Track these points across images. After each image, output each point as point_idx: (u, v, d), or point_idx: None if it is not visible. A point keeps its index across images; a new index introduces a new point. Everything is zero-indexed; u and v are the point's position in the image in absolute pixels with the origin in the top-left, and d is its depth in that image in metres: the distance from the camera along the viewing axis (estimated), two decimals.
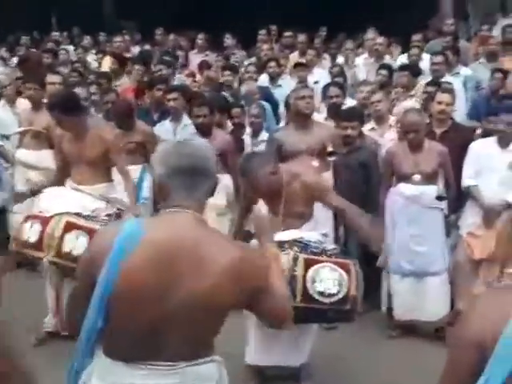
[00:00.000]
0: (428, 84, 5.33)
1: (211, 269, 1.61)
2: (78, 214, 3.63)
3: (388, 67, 6.12)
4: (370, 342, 3.96)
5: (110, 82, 6.47)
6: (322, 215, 3.69)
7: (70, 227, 3.55)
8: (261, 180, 2.97)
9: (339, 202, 3.20)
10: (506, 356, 1.27)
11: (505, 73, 5.74)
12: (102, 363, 1.69)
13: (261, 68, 6.83)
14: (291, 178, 3.10)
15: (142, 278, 1.60)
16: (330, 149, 4.21)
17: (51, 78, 5.58)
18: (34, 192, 4.16)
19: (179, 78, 6.90)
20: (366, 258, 4.00)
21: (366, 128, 4.90)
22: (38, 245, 3.53)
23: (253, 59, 7.41)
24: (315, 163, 4.14)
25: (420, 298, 4.00)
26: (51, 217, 3.60)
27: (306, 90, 4.44)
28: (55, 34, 9.46)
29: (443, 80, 5.55)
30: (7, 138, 5.26)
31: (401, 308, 4.06)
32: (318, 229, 3.22)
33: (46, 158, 4.96)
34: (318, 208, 3.38)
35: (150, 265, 1.60)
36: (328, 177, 4.19)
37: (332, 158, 4.25)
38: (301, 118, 4.29)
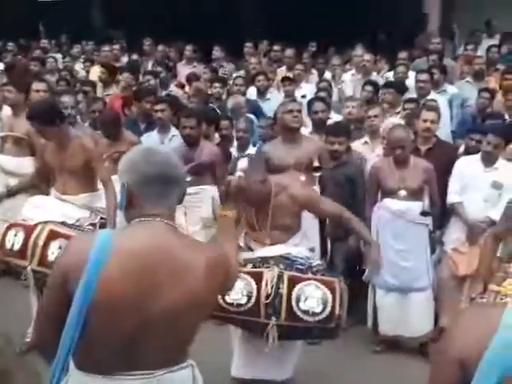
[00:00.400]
0: (407, 101, 5.36)
1: (188, 274, 1.63)
2: (62, 223, 3.61)
3: (373, 84, 6.18)
4: (355, 357, 3.96)
5: (95, 90, 6.46)
6: (309, 228, 3.70)
7: (53, 236, 3.53)
8: (250, 187, 2.96)
9: (334, 208, 3.19)
10: (490, 372, 1.28)
11: (492, 92, 5.84)
12: (76, 378, 1.67)
13: (249, 81, 6.87)
14: (279, 190, 3.10)
15: (120, 289, 1.59)
16: (316, 164, 4.20)
17: (36, 85, 5.55)
18: (10, 193, 4.12)
19: (174, 91, 6.91)
20: (351, 272, 4.02)
21: (360, 142, 4.94)
22: (22, 253, 3.50)
23: (241, 72, 7.43)
24: (302, 177, 4.14)
25: (404, 314, 4.02)
26: (35, 225, 3.59)
27: (293, 103, 4.42)
28: (44, 42, 9.42)
29: (428, 98, 5.62)
30: None
31: (386, 323, 4.07)
32: (305, 242, 3.21)
33: (26, 165, 4.91)
34: (305, 220, 3.38)
35: (126, 275, 1.60)
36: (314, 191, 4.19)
37: (317, 174, 4.24)
38: (288, 132, 4.28)
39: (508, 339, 1.28)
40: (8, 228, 3.68)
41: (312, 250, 3.16)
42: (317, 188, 4.23)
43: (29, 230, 3.59)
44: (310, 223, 3.55)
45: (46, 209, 3.79)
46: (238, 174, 2.94)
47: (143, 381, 1.64)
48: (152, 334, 1.62)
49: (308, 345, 3.77)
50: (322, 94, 5.91)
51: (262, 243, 3.12)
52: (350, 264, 4.25)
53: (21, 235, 3.59)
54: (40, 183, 4.07)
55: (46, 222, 3.62)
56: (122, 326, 1.60)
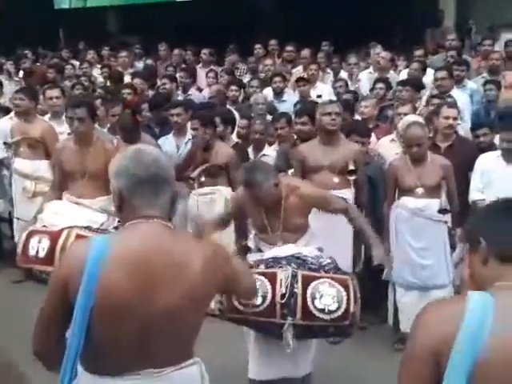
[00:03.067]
0: (433, 97, 5.32)
1: (186, 271, 1.66)
2: (87, 228, 3.63)
3: (385, 81, 6.16)
4: (376, 355, 3.95)
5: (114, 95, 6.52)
6: (342, 230, 3.72)
7: (79, 240, 3.53)
8: (265, 192, 2.98)
9: (342, 206, 3.22)
10: (461, 359, 1.30)
11: (497, 84, 5.78)
12: (86, 380, 1.69)
13: (264, 82, 6.89)
14: (289, 191, 3.12)
15: (120, 292, 1.62)
16: (351, 167, 4.15)
17: (50, 92, 5.63)
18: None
19: (194, 94, 6.96)
20: (371, 270, 4.01)
21: (387, 140, 4.92)
22: (48, 259, 3.50)
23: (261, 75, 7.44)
24: (336, 180, 4.15)
25: None
26: (60, 230, 3.59)
27: (332, 105, 4.26)
28: (65, 51, 9.55)
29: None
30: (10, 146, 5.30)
31: (407, 321, 4.04)
32: (314, 242, 3.21)
33: (41, 167, 5.02)
34: (338, 223, 3.37)
35: (125, 278, 1.62)
36: (348, 194, 4.16)
37: (352, 177, 4.18)
38: (326, 134, 4.22)
39: (474, 324, 1.30)
40: (29, 235, 3.66)
41: (320, 249, 3.16)
42: (352, 192, 4.20)
43: (54, 235, 3.58)
44: (343, 225, 3.53)
45: (67, 214, 3.81)
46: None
47: (153, 379, 1.67)
48: (156, 333, 1.64)
49: (329, 344, 3.78)
50: (346, 96, 5.79)
51: (273, 245, 3.14)
52: (369, 263, 4.24)
53: (45, 241, 3.57)
54: (61, 195, 4.08)
55: (71, 227, 3.62)
56: (125, 327, 1.63)
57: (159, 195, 1.72)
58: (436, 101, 5.16)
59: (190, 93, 7.01)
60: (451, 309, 1.38)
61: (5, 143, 5.29)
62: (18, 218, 5.12)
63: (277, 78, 6.60)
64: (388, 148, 4.85)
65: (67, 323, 1.67)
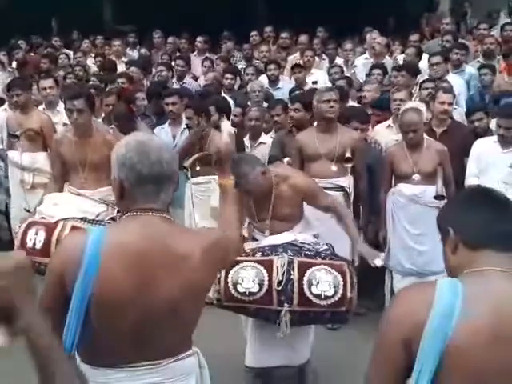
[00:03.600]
0: (426, 81, 5.29)
1: (184, 263, 1.66)
2: (82, 219, 3.64)
3: (381, 67, 6.14)
4: (373, 341, 3.96)
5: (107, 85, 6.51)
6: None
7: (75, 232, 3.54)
8: (252, 181, 2.98)
9: (329, 202, 3.20)
10: (432, 344, 1.31)
11: (492, 68, 5.77)
12: (85, 372, 1.70)
13: (259, 70, 6.87)
14: (280, 180, 3.12)
15: (118, 284, 1.62)
16: (348, 155, 4.12)
17: (43, 82, 5.60)
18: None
19: (189, 82, 6.92)
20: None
21: (383, 126, 4.91)
22: (45, 251, 3.51)
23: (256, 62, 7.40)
24: (333, 168, 4.14)
25: None
26: (56, 222, 3.60)
27: (330, 93, 4.20)
28: (55, 39, 9.48)
29: (445, 78, 5.56)
30: (15, 136, 5.26)
31: None
32: (308, 230, 3.22)
33: (40, 159, 5.03)
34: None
35: (123, 269, 1.62)
36: (346, 182, 4.17)
37: (349, 165, 4.17)
38: (323, 122, 4.20)
39: (443, 309, 1.31)
40: (27, 227, 3.67)
41: (316, 236, 3.16)
42: (350, 179, 4.20)
43: (50, 227, 3.59)
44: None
45: (65, 206, 3.81)
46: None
47: (152, 370, 1.68)
48: (155, 325, 1.65)
49: (328, 330, 3.81)
50: (340, 82, 5.76)
51: (262, 233, 3.15)
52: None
53: (42, 233, 3.59)
54: (62, 189, 4.05)
55: (66, 219, 3.63)
56: (123, 319, 1.63)
57: (161, 192, 1.71)
58: (429, 85, 5.12)
59: (185, 81, 6.97)
60: (421, 296, 1.38)
61: (12, 135, 5.25)
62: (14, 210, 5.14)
63: (271, 66, 6.58)
64: (384, 134, 4.84)
65: (65, 314, 1.66)
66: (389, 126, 4.92)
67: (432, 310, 1.32)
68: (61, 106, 5.28)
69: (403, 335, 1.35)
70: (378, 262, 3.00)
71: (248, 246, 3.12)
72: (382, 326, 1.42)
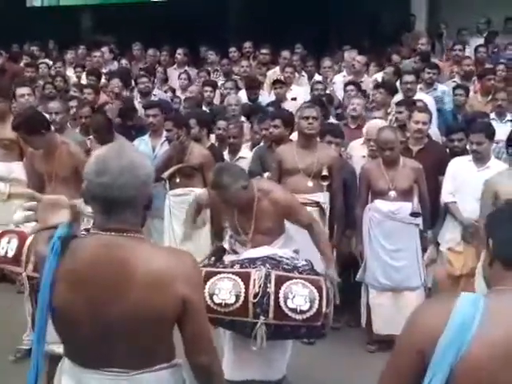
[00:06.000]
0: (399, 104, 5.34)
1: (139, 280, 1.61)
2: (55, 228, 3.61)
3: (355, 84, 6.24)
4: (349, 357, 4.00)
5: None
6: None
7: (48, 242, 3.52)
8: (232, 194, 2.99)
9: (308, 220, 3.22)
10: (444, 356, 1.33)
11: (466, 89, 5.91)
12: (66, 365, 1.75)
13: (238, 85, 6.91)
14: (262, 195, 3.14)
15: (69, 305, 1.63)
16: (324, 173, 4.18)
17: (20, 90, 5.58)
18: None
19: (159, 94, 6.92)
20: (344, 272, 4.06)
21: (358, 143, 4.97)
22: (16, 260, 3.50)
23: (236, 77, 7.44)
24: (310, 183, 4.19)
25: (397, 313, 4.04)
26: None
27: (310, 110, 4.28)
28: (33, 48, 9.41)
29: (416, 98, 5.66)
30: None
31: (379, 323, 4.11)
32: (289, 244, 3.24)
33: (15, 169, 4.95)
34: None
35: (75, 286, 1.63)
36: (321, 198, 4.21)
37: (325, 183, 4.22)
38: (303, 138, 4.27)
39: (460, 323, 1.34)
40: (0, 235, 3.66)
41: (296, 251, 3.19)
42: (326, 195, 4.24)
43: (22, 236, 3.57)
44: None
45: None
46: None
47: (120, 378, 1.67)
48: (115, 339, 1.64)
49: (303, 345, 3.82)
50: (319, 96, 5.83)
51: (244, 246, 3.16)
52: (342, 266, 4.30)
53: (14, 242, 3.58)
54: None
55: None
56: (81, 332, 1.65)
57: (114, 214, 1.66)
58: (400, 109, 5.13)
59: (154, 93, 6.93)
60: (440, 307, 1.41)
61: None
62: None
63: (277, 85, 6.43)
64: (359, 151, 4.90)
65: None
66: (364, 142, 4.98)
67: (449, 322, 1.34)
68: None
69: (418, 345, 1.37)
70: (337, 300, 3.05)
71: (228, 258, 3.13)
72: (400, 336, 1.44)
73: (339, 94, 6.67)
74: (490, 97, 5.87)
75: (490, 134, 4.25)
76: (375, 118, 4.93)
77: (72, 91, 6.72)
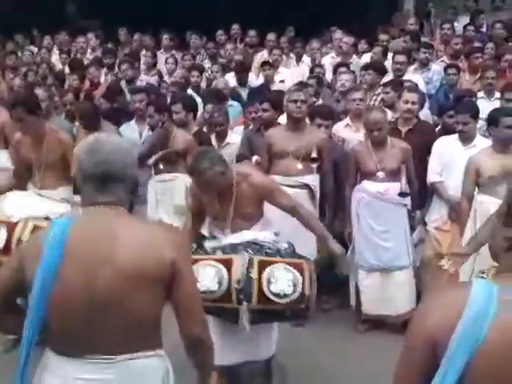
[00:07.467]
0: (385, 85, 5.31)
1: (126, 246, 1.67)
2: (46, 218, 3.60)
3: (346, 65, 6.20)
4: (339, 337, 4.02)
5: (63, 82, 6.45)
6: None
7: (37, 231, 3.50)
8: (209, 179, 2.96)
9: (288, 202, 3.20)
10: (459, 348, 1.29)
11: (458, 68, 5.89)
12: (50, 358, 1.75)
13: (226, 68, 6.84)
14: (241, 179, 3.11)
15: (67, 275, 1.66)
16: (313, 155, 4.17)
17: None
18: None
19: (146, 79, 6.85)
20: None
21: (342, 124, 4.95)
22: (5, 250, 3.48)
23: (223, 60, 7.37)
24: (299, 166, 4.17)
25: (386, 293, 4.08)
26: (17, 222, 3.57)
27: (299, 93, 4.26)
28: (17, 36, 9.29)
29: (405, 78, 5.63)
30: None
31: (368, 303, 4.13)
32: (268, 228, 3.21)
33: (1, 158, 4.88)
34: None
35: (72, 262, 1.67)
36: (311, 180, 4.20)
37: (314, 165, 4.21)
38: (291, 121, 4.27)
39: (475, 313, 1.30)
40: None
41: (277, 233, 3.17)
42: (315, 177, 4.23)
43: (10, 226, 3.58)
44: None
45: (27, 205, 3.77)
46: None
47: (105, 365, 1.68)
48: (102, 318, 1.66)
49: (293, 327, 3.83)
50: (311, 81, 5.78)
51: (222, 231, 3.14)
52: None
53: (3, 232, 3.57)
54: (22, 185, 4.07)
55: (27, 218, 3.61)
56: (74, 312, 1.66)
57: (106, 190, 1.74)
58: (387, 89, 5.12)
59: (140, 78, 6.84)
60: (453, 297, 1.36)
61: None
62: None
63: (266, 66, 6.41)
64: (343, 133, 4.87)
65: (16, 294, 1.77)
66: (347, 125, 4.96)
67: (463, 313, 1.30)
68: None
69: (430, 337, 1.34)
70: (346, 270, 3.03)
71: (208, 244, 3.11)
72: (410, 327, 1.41)
73: (328, 75, 6.62)
74: (479, 75, 5.84)
75: (475, 113, 4.25)
76: (355, 99, 4.88)
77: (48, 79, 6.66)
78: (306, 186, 4.19)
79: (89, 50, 8.28)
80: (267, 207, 3.26)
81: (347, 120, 4.98)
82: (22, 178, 4.07)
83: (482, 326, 1.28)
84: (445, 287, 1.51)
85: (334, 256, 3.17)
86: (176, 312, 1.76)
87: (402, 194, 3.98)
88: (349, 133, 4.85)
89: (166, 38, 7.99)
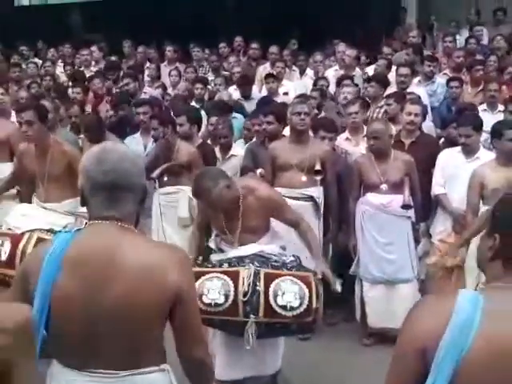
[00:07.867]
0: (388, 97, 5.33)
1: (129, 272, 1.63)
2: (49, 231, 3.59)
3: (349, 78, 6.22)
4: (345, 351, 4.00)
5: (64, 95, 6.48)
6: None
7: (40, 244, 3.50)
8: (215, 196, 2.95)
9: (294, 217, 3.20)
10: (447, 356, 1.31)
11: (461, 81, 5.91)
12: (55, 368, 1.73)
13: (229, 80, 6.87)
14: (247, 193, 3.11)
15: (68, 292, 1.64)
16: (317, 167, 4.18)
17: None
18: None
19: (150, 92, 6.89)
20: (342, 267, 4.06)
21: (342, 138, 4.97)
22: (10, 262, 3.47)
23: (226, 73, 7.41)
24: (303, 178, 4.18)
25: (391, 305, 4.06)
26: (22, 234, 3.56)
27: (302, 105, 4.30)
28: (22, 48, 9.34)
29: (408, 90, 5.66)
30: None
31: (373, 316, 4.12)
32: (276, 241, 3.22)
33: (5, 170, 4.83)
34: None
35: (74, 277, 1.64)
36: (315, 192, 4.20)
37: (318, 177, 4.21)
38: (295, 133, 4.28)
39: (461, 321, 1.31)
40: None
41: (283, 247, 3.17)
42: (319, 190, 4.24)
43: (15, 239, 3.56)
44: (311, 224, 3.51)
45: (32, 217, 3.77)
46: None
47: (109, 380, 1.66)
48: (104, 335, 1.63)
49: (298, 341, 3.82)
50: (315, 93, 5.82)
51: (232, 245, 3.14)
52: (339, 260, 4.30)
53: (7, 244, 3.55)
54: (5, 187, 4.15)
55: (32, 230, 3.60)
56: (75, 326, 1.64)
57: (115, 201, 1.70)
58: (390, 101, 5.14)
59: (144, 90, 6.88)
60: (440, 306, 1.38)
61: None
62: None
63: (270, 79, 6.44)
64: (343, 147, 4.88)
65: None
66: (347, 138, 4.98)
67: (450, 321, 1.32)
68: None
69: (419, 345, 1.35)
70: (338, 287, 3.03)
71: (215, 257, 3.11)
72: (399, 336, 1.42)
73: (331, 88, 6.65)
74: (480, 87, 5.86)
75: (478, 126, 4.27)
76: (351, 112, 4.90)
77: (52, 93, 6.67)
78: (311, 199, 4.19)
79: (92, 63, 8.32)
80: (274, 220, 3.27)
81: (347, 134, 5.00)
82: (17, 182, 4.09)
83: (468, 335, 1.30)
84: (431, 297, 1.52)
85: (324, 277, 3.11)
86: (176, 334, 1.72)
87: (405, 207, 3.99)
88: (349, 146, 4.86)
89: (169, 51, 8.04)
